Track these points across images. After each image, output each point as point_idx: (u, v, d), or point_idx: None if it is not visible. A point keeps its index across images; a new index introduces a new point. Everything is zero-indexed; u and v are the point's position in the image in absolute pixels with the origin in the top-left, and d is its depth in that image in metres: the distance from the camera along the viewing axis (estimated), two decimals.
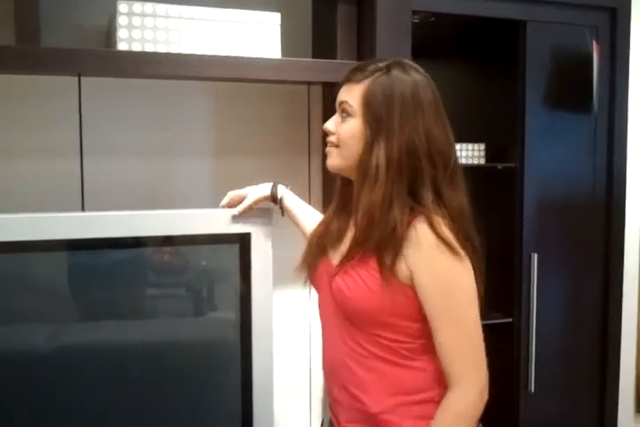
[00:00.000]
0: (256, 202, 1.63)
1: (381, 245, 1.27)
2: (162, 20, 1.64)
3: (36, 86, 1.83)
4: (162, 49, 1.65)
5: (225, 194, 1.70)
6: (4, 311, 1.56)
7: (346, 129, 1.33)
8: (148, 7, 1.63)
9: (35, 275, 1.61)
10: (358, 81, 1.31)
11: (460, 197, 1.32)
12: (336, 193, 1.45)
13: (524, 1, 1.99)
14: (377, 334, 1.31)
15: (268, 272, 1.69)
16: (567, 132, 2.13)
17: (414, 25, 1.89)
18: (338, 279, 1.33)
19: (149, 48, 1.64)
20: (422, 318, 1.29)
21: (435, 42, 2.21)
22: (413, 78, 1.30)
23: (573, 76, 2.12)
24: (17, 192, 1.82)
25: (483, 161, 2.17)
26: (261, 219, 1.66)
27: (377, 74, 1.30)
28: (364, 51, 1.86)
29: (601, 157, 2.16)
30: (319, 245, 1.43)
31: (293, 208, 1.64)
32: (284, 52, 1.80)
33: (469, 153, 2.13)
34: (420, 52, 1.85)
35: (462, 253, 1.26)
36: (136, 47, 1.63)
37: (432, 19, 2.04)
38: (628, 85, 2.14)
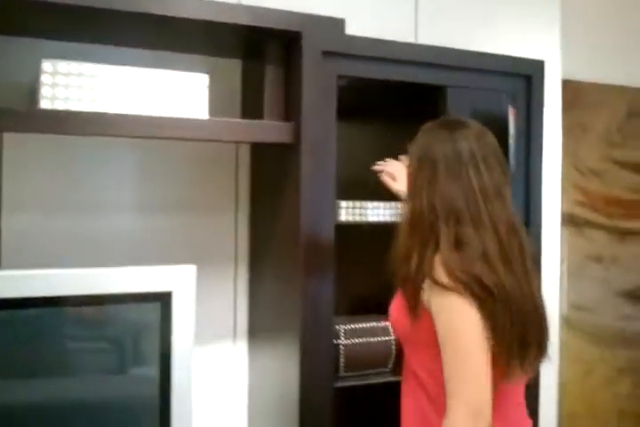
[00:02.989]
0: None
1: (405, 282, 1.48)
2: (87, 79, 1.64)
3: None
4: (87, 108, 1.65)
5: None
6: None
7: None
8: (74, 67, 1.62)
9: None
10: None
11: (481, 237, 1.41)
12: None
13: (445, 68, 2.08)
14: (414, 363, 1.50)
15: (190, 330, 1.68)
16: None
17: (343, 88, 1.96)
18: (393, 302, 1.57)
19: (73, 107, 1.64)
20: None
21: (362, 104, 2.28)
22: (428, 137, 1.53)
23: None
24: None
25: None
26: (184, 277, 1.67)
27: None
28: (290, 112, 1.91)
29: None
30: None
31: None
32: (212, 113, 1.83)
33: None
34: (350, 114, 1.89)
35: (457, 289, 1.36)
36: (59, 106, 1.62)
37: (358, 83, 2.12)
38: (542, 148, 2.24)
